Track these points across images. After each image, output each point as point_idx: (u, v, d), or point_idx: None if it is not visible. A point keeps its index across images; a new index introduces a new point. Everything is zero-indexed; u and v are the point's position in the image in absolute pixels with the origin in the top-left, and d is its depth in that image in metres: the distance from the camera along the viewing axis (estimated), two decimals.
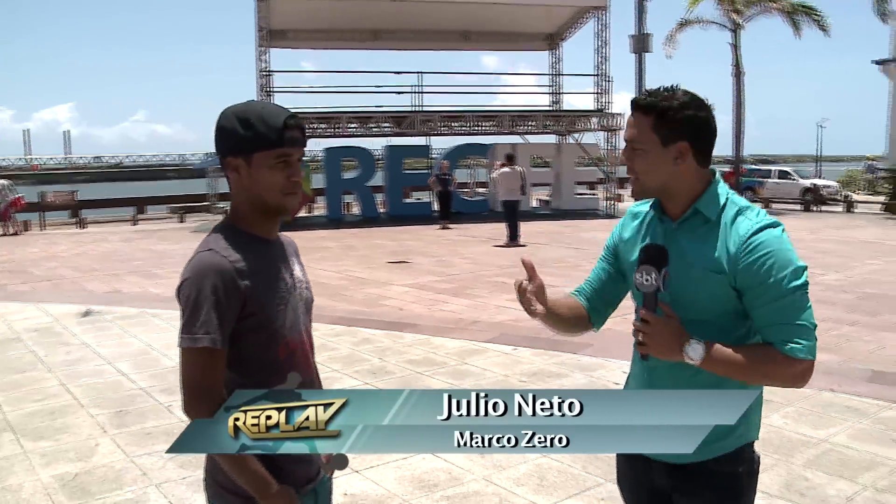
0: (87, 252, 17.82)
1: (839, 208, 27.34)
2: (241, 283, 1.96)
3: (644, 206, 2.25)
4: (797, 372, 1.96)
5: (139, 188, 59.13)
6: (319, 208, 28.83)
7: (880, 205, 27.08)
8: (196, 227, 25.28)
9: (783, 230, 2.02)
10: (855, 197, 29.95)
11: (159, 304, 10.52)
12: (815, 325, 1.99)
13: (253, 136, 1.97)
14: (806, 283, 1.98)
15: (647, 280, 2.00)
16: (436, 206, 23.80)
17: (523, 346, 7.77)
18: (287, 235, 2.26)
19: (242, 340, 1.99)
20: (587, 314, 2.35)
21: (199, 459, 5.09)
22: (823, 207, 27.59)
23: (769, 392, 5.66)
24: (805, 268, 1.99)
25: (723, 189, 2.11)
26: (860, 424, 5.39)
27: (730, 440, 2.09)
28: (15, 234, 24.08)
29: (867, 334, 7.97)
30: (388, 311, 9.80)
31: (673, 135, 2.03)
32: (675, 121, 2.03)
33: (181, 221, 27.74)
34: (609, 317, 2.41)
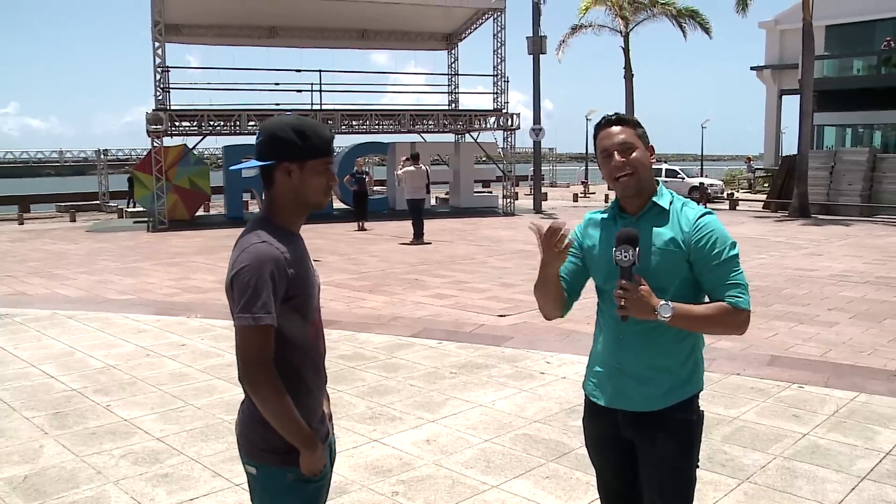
0: None
1: (724, 206, 28.79)
2: (289, 271, 2.28)
3: (598, 214, 2.75)
4: (743, 319, 2.52)
5: (18, 185, 56.63)
6: (218, 206, 28.45)
7: (761, 202, 28.69)
8: (90, 226, 24.57)
9: (716, 216, 2.59)
10: (738, 195, 31.61)
11: (70, 306, 10.34)
12: (748, 285, 2.55)
13: (309, 146, 2.33)
14: (738, 253, 2.55)
15: (625, 256, 2.44)
16: (339, 205, 23.84)
17: (447, 339, 8.08)
18: None
19: (283, 321, 2.28)
20: (566, 298, 2.76)
21: (153, 456, 5.19)
22: (709, 205, 28.97)
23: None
24: (736, 242, 2.57)
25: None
26: (765, 403, 5.93)
27: (685, 389, 2.60)
28: None
29: (762, 323, 8.61)
30: None
31: (646, 140, 2.63)
32: (644, 131, 2.65)
33: (73, 220, 26.84)
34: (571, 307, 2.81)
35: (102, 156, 36.91)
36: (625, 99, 29.80)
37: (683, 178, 32.24)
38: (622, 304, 2.46)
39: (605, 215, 2.72)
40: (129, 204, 31.53)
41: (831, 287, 11.13)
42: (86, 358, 7.54)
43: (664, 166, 33.96)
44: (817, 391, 6.23)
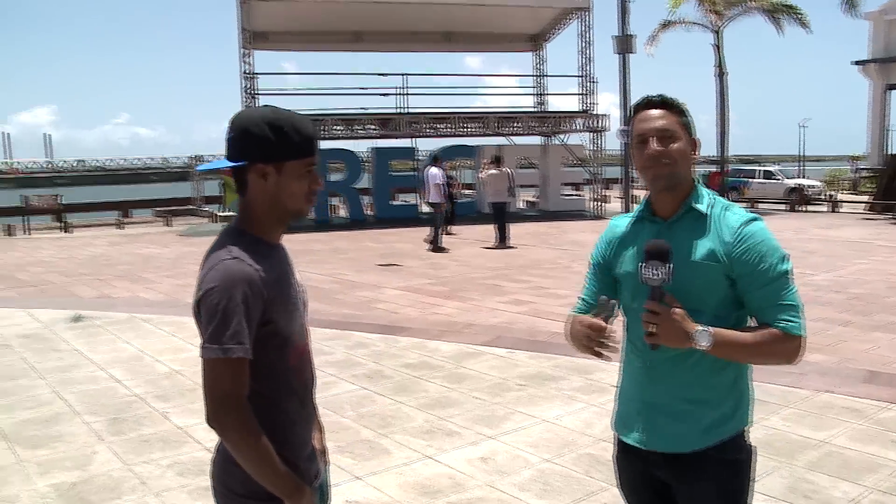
0: (74, 256, 17.67)
1: (824, 208, 27.50)
2: (265, 291, 1.97)
3: (625, 218, 2.41)
4: (795, 347, 2.12)
5: (123, 191, 58.73)
6: None
7: (864, 204, 27.26)
8: (182, 230, 25.13)
9: (765, 223, 2.21)
10: (839, 196, 30.15)
11: (149, 309, 10.44)
12: (802, 305, 2.16)
13: (286, 144, 2.00)
14: (791, 268, 2.16)
15: (654, 274, 2.10)
16: (424, 209, 23.70)
17: (519, 348, 7.75)
18: None
19: (260, 348, 1.98)
20: None
21: (199, 467, 5.07)
22: (808, 207, 27.73)
23: (765, 393, 5.72)
24: (788, 255, 2.17)
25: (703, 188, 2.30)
26: (859, 426, 5.40)
27: (729, 426, 2.21)
28: None
29: (861, 334, 8.00)
30: (382, 315, 9.76)
31: (692, 130, 2.25)
32: (691, 119, 2.26)
33: (167, 225, 27.55)
34: None
35: (196, 162, 37.85)
36: (717, 98, 28.75)
37: (781, 180, 30.96)
38: (651, 329, 2.11)
39: (633, 219, 2.36)
40: (221, 209, 32.22)
41: None
42: (154, 363, 7.52)
43: (760, 168, 32.69)
44: None
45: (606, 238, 2.44)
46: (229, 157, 2.05)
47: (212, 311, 1.91)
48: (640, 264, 2.15)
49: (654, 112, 2.22)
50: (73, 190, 55.16)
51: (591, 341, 2.18)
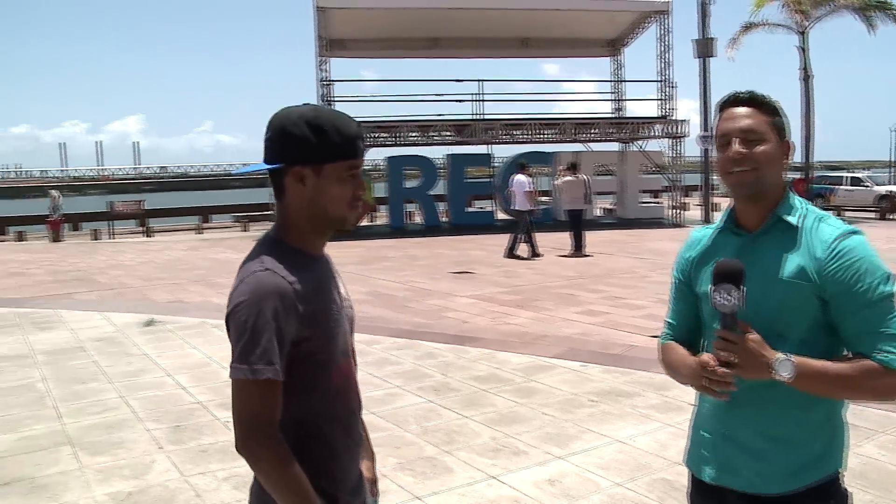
0: (152, 261, 17.98)
1: None
2: (300, 306, 1.78)
3: (706, 230, 2.16)
4: (893, 384, 1.84)
5: (204, 197, 60.11)
6: (381, 217, 28.80)
7: None
8: (259, 235, 25.42)
9: (865, 237, 1.94)
10: None
11: (219, 315, 10.38)
12: None
13: (326, 145, 1.82)
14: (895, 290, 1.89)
15: (726, 299, 1.85)
16: (500, 216, 23.56)
17: (593, 362, 7.43)
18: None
19: (295, 369, 1.80)
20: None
21: None
22: None
23: (859, 417, 5.27)
24: (892, 275, 1.89)
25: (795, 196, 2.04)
26: None
27: (817, 469, 1.93)
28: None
29: None
30: (452, 324, 9.55)
31: (785, 132, 1.99)
32: (784, 120, 2.00)
33: (245, 230, 27.94)
34: None
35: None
36: (801, 102, 27.75)
37: (870, 187, 29.69)
38: (732, 359, 1.85)
39: (716, 231, 2.10)
40: None
41: None
42: (219, 369, 7.46)
43: (847, 174, 31.45)
44: None
45: (686, 252, 2.18)
46: (266, 160, 1.88)
47: (240, 327, 1.74)
48: (710, 287, 1.89)
49: (741, 110, 1.97)
50: (157, 196, 56.72)
51: (700, 379, 1.92)
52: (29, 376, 7.47)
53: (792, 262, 1.90)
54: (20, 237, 28.47)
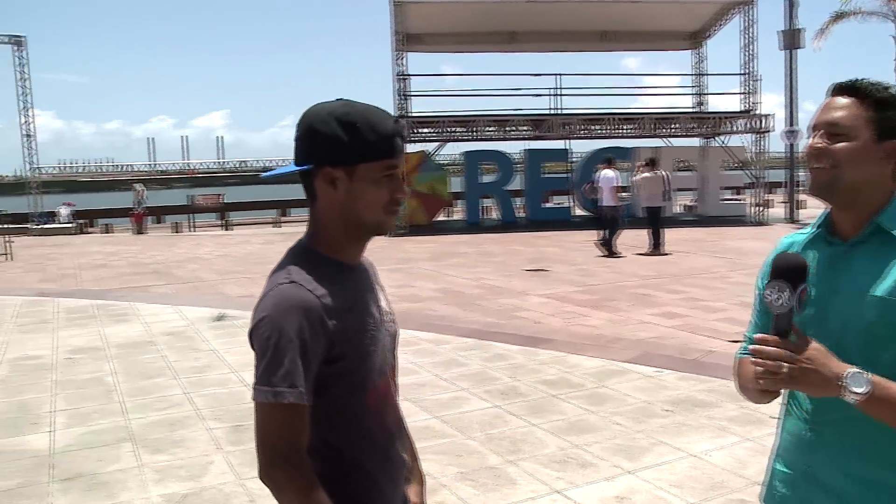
0: (229, 254, 18.20)
1: None
2: (329, 322, 1.61)
3: (797, 236, 1.89)
4: None
5: (284, 191, 60.94)
6: (458, 212, 28.68)
7: None
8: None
9: None
10: None
11: None
12: None
13: (359, 143, 1.65)
14: None
15: (777, 298, 1.58)
16: (577, 212, 23.18)
17: (668, 368, 7.09)
18: (366, 257, 1.87)
19: (326, 390, 1.64)
20: None
21: None
22: None
23: None
24: None
25: None
26: None
27: None
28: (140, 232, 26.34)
29: None
30: (524, 324, 9.30)
31: (891, 131, 1.69)
32: (891, 115, 1.69)
33: None
34: None
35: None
36: None
37: None
38: (771, 367, 1.57)
39: (808, 238, 1.84)
40: None
41: None
42: None
43: None
44: None
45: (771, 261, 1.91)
46: (296, 161, 1.71)
47: (262, 345, 1.59)
48: (765, 282, 1.64)
49: (838, 101, 1.72)
50: (238, 189, 57.70)
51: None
52: (100, 369, 7.54)
53: (890, 278, 1.63)
54: (107, 229, 29.32)
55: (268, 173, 2.16)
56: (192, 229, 27.99)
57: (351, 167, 1.65)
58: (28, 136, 30.46)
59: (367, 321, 1.71)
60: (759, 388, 1.63)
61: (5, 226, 21.86)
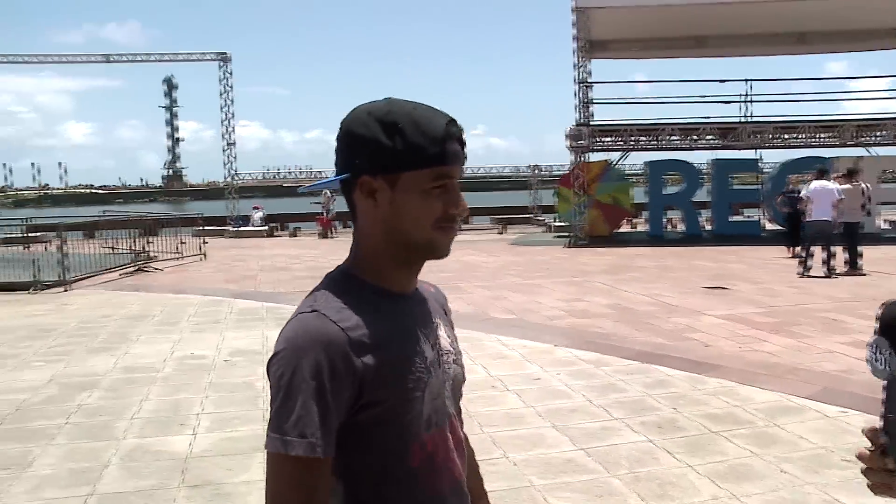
0: None
1: None
2: (358, 360, 1.33)
3: None
4: None
5: (469, 198, 61.66)
6: (640, 224, 27.86)
7: None
8: (514, 238, 25.45)
9: None
10: None
11: (459, 320, 10.30)
12: None
13: (401, 147, 1.37)
14: None
15: (879, 361, 1.14)
16: (768, 226, 21.81)
17: (854, 408, 6.30)
18: (431, 284, 1.61)
19: (358, 443, 1.38)
20: None
21: None
22: None
23: None
24: None
25: None
26: None
27: None
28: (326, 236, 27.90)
29: None
30: (693, 347, 8.72)
31: None
32: None
33: (503, 232, 28.14)
34: None
35: (534, 171, 38.59)
36: None
37: None
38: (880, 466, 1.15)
39: None
40: (556, 218, 32.48)
41: None
42: None
43: None
44: None
45: None
46: (336, 171, 1.46)
47: (274, 385, 1.34)
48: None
49: None
50: None
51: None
52: (253, 373, 7.71)
53: None
54: (295, 233, 30.68)
55: (304, 187, 1.91)
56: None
57: (393, 176, 1.39)
58: (228, 144, 32.40)
59: (413, 361, 1.42)
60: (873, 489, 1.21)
61: (202, 228, 23.30)
